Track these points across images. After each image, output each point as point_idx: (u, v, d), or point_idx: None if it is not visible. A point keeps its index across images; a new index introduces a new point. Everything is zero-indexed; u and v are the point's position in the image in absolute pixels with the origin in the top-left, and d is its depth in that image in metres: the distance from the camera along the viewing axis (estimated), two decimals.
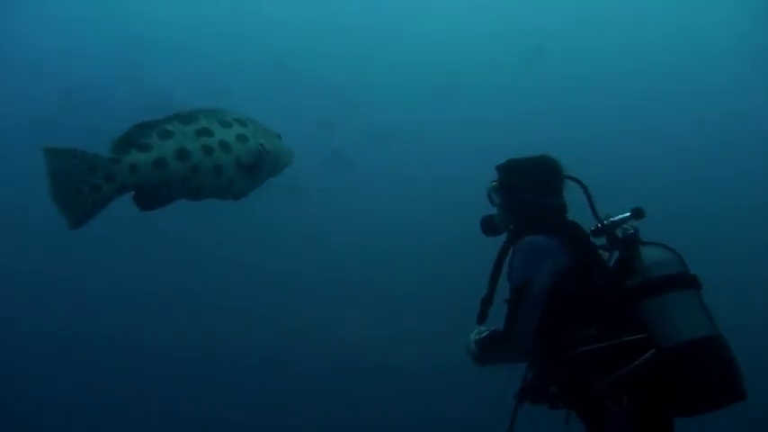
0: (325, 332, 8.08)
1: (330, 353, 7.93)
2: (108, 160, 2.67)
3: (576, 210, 2.47)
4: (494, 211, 2.58)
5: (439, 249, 8.43)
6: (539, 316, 2.17)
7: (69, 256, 7.61)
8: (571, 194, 2.50)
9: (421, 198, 9.08)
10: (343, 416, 7.37)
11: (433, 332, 7.25)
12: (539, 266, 2.19)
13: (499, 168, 2.53)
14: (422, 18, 10.48)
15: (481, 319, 2.40)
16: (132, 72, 9.28)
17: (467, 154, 8.71)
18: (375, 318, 8.18)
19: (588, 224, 2.41)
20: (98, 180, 2.63)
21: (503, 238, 2.49)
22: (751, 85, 9.41)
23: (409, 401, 7.43)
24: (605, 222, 2.34)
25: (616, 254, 2.35)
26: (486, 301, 2.39)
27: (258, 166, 2.97)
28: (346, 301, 8.30)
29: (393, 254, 8.69)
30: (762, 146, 9.10)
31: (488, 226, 2.57)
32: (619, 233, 2.32)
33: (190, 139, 2.81)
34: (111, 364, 7.61)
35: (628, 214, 2.33)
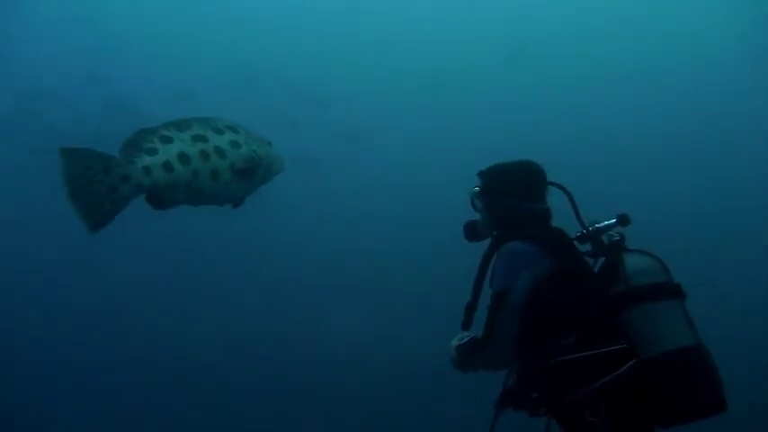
0: (310, 334, 8.07)
1: (312, 355, 7.92)
2: (123, 162, 2.72)
3: (565, 215, 2.45)
4: (476, 216, 2.56)
5: (414, 252, 8.43)
6: (517, 324, 2.16)
7: (47, 258, 7.65)
8: (560, 200, 2.49)
9: (392, 200, 9.02)
10: (336, 417, 7.38)
11: (415, 332, 7.29)
12: (518, 274, 2.17)
13: (481, 174, 2.52)
14: (396, 17, 10.28)
15: (466, 324, 2.38)
16: (93, 74, 9.13)
17: (442, 156, 8.72)
18: (354, 318, 8.15)
19: (576, 230, 2.40)
20: (114, 181, 2.66)
21: (487, 242, 2.47)
22: (751, 85, 9.40)
23: (400, 402, 7.42)
24: (590, 229, 2.32)
25: (602, 260, 2.33)
26: (471, 307, 2.37)
27: (252, 172, 3.06)
28: (326, 303, 8.27)
29: (361, 256, 8.64)
30: (762, 146, 9.09)
31: (471, 231, 2.55)
32: (604, 239, 2.30)
33: (188, 144, 2.89)
34: (112, 369, 7.60)
35: (613, 221, 2.31)
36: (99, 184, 2.62)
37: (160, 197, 2.82)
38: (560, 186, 2.43)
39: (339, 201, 9.04)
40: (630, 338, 2.06)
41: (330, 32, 10.01)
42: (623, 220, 2.30)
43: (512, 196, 2.39)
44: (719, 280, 7.79)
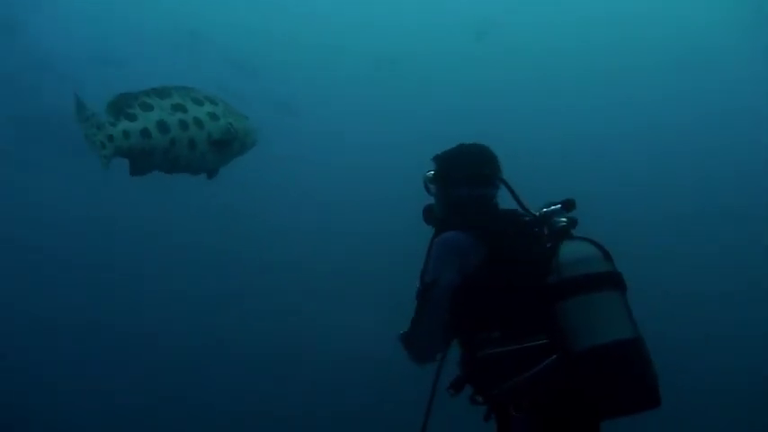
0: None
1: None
2: (108, 123, 2.94)
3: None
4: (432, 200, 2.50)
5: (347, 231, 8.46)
6: (442, 318, 2.13)
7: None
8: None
9: (329, 177, 8.96)
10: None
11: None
12: (446, 266, 2.14)
13: (436, 159, 2.47)
14: None
15: None
16: (7, 21, 8.33)
17: (390, 138, 8.65)
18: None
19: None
20: (104, 138, 2.90)
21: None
22: (752, 84, 9.37)
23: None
24: (537, 214, 2.26)
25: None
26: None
27: (227, 144, 3.23)
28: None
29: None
30: (762, 146, 9.07)
31: (430, 215, 2.50)
32: (555, 225, 2.22)
33: (167, 113, 3.05)
34: (103, 361, 7.58)
35: (558, 206, 2.24)
36: (95, 136, 2.88)
37: (135, 162, 2.99)
38: (502, 180, 2.36)
39: (272, 172, 8.74)
40: (559, 331, 1.99)
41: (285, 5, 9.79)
42: (568, 205, 2.23)
43: (464, 182, 2.36)
44: (720, 280, 7.78)
